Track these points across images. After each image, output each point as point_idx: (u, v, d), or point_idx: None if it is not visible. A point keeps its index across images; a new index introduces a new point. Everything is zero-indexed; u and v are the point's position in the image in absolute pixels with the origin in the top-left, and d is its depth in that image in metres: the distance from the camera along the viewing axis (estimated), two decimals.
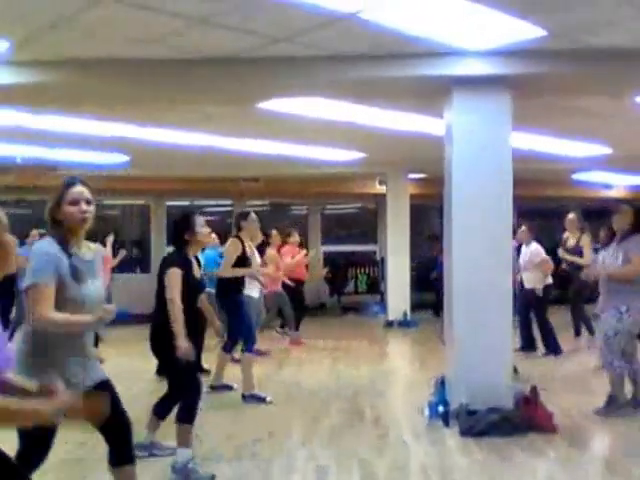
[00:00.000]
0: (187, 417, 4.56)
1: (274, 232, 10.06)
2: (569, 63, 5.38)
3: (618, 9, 4.36)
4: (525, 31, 4.80)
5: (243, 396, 6.48)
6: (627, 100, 6.84)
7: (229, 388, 6.89)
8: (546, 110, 7.38)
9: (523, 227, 8.76)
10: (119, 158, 10.81)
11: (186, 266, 4.64)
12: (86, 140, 8.87)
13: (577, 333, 9.65)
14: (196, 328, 4.72)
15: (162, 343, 4.54)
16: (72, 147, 9.64)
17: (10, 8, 4.35)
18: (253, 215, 6.74)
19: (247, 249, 6.51)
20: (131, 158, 10.89)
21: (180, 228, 4.74)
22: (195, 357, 4.65)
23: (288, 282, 9.98)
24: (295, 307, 9.95)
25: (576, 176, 13.74)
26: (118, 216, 15.28)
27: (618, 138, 9.37)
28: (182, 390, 4.60)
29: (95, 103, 6.71)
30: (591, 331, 9.13)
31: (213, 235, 8.70)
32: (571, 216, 9.52)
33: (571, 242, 9.34)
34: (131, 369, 7.65)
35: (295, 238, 10.39)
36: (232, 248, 6.52)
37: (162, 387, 4.95)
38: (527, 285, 8.54)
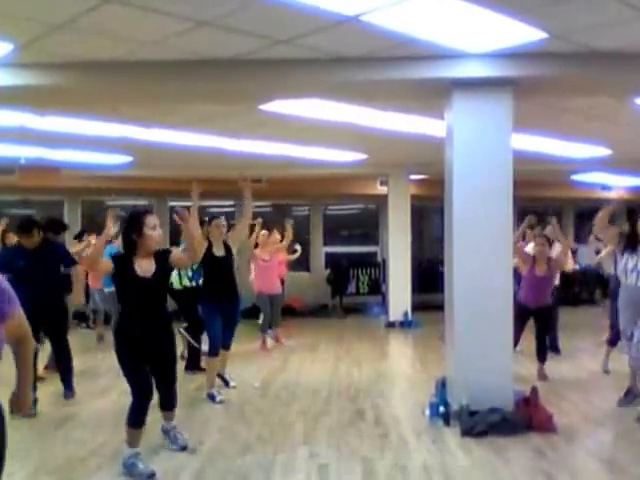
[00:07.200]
0: (130, 420, 4.48)
1: (274, 231, 10.26)
2: (569, 65, 5.40)
3: (618, 11, 4.38)
4: (526, 33, 4.82)
5: (208, 395, 6.53)
6: (627, 102, 6.87)
7: (226, 383, 6.99)
8: (546, 111, 7.41)
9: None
10: (122, 159, 10.87)
11: (120, 265, 4.41)
12: (89, 141, 8.91)
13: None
14: (150, 329, 4.49)
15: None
16: (75, 148, 9.69)
17: (14, 10, 4.38)
18: (216, 220, 6.62)
19: (214, 249, 6.46)
20: (134, 159, 10.94)
21: (127, 228, 4.42)
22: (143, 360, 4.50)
23: None
24: None
25: (575, 177, 13.76)
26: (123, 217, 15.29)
27: (618, 139, 9.39)
28: (131, 391, 4.51)
29: (98, 105, 6.76)
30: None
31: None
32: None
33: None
34: None
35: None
36: None
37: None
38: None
